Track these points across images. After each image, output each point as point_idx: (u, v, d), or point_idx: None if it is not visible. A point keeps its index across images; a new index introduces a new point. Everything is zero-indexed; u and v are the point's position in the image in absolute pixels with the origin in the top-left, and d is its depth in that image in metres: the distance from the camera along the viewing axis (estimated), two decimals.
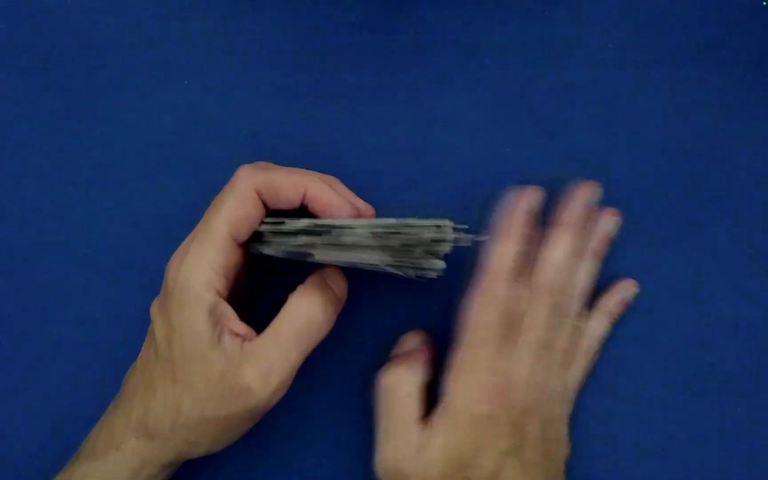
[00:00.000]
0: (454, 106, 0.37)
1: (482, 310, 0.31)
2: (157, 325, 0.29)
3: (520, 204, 0.33)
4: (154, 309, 0.30)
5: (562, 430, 0.32)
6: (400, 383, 0.31)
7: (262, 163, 0.31)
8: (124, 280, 0.36)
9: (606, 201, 0.36)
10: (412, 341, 0.33)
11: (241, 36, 0.38)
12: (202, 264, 0.28)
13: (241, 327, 0.29)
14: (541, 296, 0.31)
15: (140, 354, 0.31)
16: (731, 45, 0.37)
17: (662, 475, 0.34)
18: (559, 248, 0.32)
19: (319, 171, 0.36)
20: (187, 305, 0.28)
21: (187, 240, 0.30)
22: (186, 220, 0.36)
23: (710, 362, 0.35)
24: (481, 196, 0.35)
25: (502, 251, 0.32)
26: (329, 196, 0.29)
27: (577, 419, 0.34)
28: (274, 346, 0.28)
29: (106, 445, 0.29)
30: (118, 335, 0.35)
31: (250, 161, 0.36)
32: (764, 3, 0.38)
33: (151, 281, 0.35)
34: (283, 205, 0.30)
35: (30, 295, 0.36)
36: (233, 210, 0.29)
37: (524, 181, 0.36)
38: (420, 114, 0.37)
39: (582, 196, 0.34)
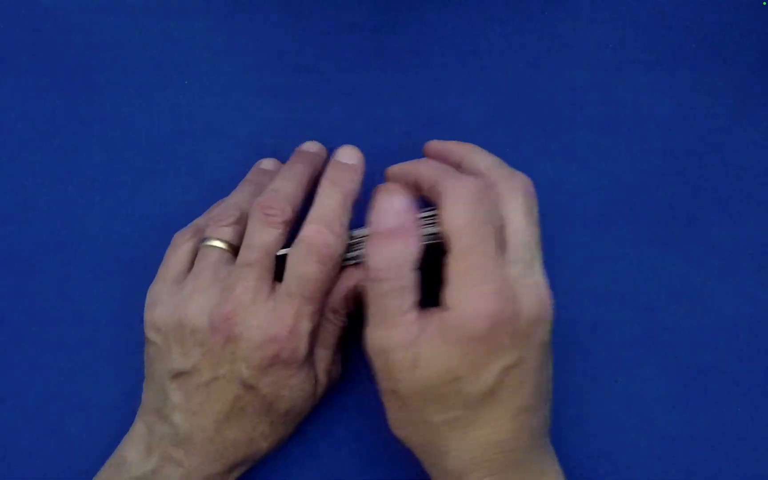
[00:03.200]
0: (454, 106, 0.37)
1: (472, 216, 0.27)
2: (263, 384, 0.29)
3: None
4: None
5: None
6: (395, 266, 0.27)
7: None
8: (125, 280, 0.36)
9: (606, 201, 0.36)
10: (398, 203, 0.28)
11: (241, 36, 0.38)
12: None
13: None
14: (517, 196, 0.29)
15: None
16: (731, 45, 0.37)
17: (662, 475, 0.34)
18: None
19: (319, 171, 0.36)
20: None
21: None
22: (186, 220, 0.36)
23: (710, 362, 0.35)
24: None
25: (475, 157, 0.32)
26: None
27: (577, 419, 0.34)
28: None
29: None
30: (118, 335, 0.35)
31: (250, 161, 0.36)
32: (764, 3, 0.38)
33: (150, 281, 0.35)
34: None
35: (30, 295, 0.36)
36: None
37: None
38: (420, 114, 0.37)
39: None
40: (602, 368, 0.35)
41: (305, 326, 0.29)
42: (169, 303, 0.31)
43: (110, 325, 0.35)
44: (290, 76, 0.37)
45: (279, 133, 0.37)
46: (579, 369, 0.35)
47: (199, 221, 0.34)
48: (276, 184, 0.32)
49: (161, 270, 0.33)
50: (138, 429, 0.31)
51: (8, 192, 0.37)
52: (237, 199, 0.33)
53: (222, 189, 0.36)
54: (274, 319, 0.28)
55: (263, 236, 0.30)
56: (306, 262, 0.29)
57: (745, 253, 0.36)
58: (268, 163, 0.36)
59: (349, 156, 0.32)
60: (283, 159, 0.36)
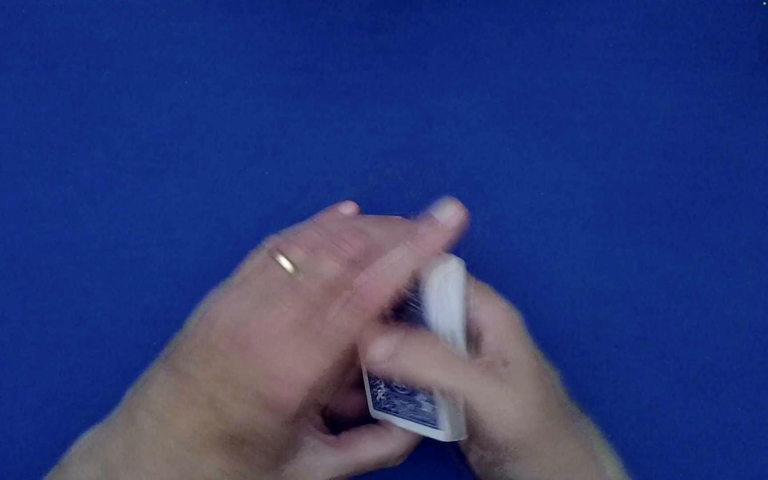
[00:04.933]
0: (454, 106, 0.37)
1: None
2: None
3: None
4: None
5: None
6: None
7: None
8: (124, 280, 0.36)
9: (606, 201, 0.36)
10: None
11: (241, 36, 0.38)
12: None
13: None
14: None
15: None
16: (731, 45, 0.37)
17: (662, 474, 0.34)
18: None
19: (319, 171, 0.37)
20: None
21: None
22: (186, 220, 0.36)
23: (710, 362, 0.35)
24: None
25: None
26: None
27: None
28: None
29: None
30: (118, 335, 0.35)
31: (250, 161, 0.36)
32: (764, 3, 0.38)
33: (151, 281, 0.35)
34: None
35: (30, 295, 0.36)
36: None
37: (524, 181, 0.36)
38: (420, 114, 0.37)
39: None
40: (602, 368, 0.35)
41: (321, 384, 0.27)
42: (211, 300, 0.29)
43: (110, 325, 0.35)
44: (290, 76, 0.37)
45: (279, 133, 0.37)
46: (579, 369, 0.35)
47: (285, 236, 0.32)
48: (366, 226, 0.30)
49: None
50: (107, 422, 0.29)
51: (8, 192, 0.37)
52: (323, 229, 0.31)
53: (222, 189, 0.36)
54: (297, 359, 0.26)
55: (322, 266, 0.28)
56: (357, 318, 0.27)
57: (745, 253, 0.36)
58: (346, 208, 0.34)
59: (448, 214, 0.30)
60: (283, 159, 0.36)
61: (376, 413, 0.31)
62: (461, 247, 0.36)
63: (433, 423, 0.29)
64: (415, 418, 0.29)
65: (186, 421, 0.27)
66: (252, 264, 0.30)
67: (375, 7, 0.38)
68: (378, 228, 0.30)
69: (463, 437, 0.29)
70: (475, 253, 0.36)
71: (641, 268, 0.35)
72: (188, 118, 0.37)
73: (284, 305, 0.27)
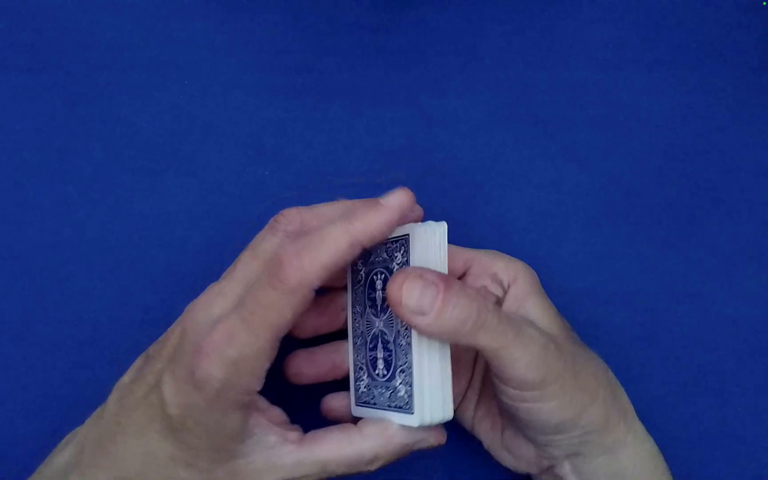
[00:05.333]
0: (454, 106, 0.37)
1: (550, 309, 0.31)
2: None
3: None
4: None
5: None
6: None
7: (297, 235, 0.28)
8: (124, 280, 0.36)
9: (606, 201, 0.36)
10: None
11: (241, 36, 0.38)
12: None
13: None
14: None
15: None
16: (731, 45, 0.37)
17: None
18: None
19: (319, 171, 0.36)
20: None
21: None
22: (186, 220, 0.36)
23: (710, 362, 0.35)
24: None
25: None
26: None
27: None
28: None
29: None
30: (118, 335, 0.35)
31: (250, 161, 0.36)
32: (764, 3, 0.38)
33: (151, 281, 0.35)
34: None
35: (30, 295, 0.36)
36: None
37: (524, 181, 0.36)
38: (420, 114, 0.37)
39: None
40: None
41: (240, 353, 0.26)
42: None
43: (110, 325, 0.35)
44: (290, 76, 0.37)
45: (279, 133, 0.37)
46: None
47: None
48: (316, 206, 0.30)
49: None
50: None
51: (8, 192, 0.37)
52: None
53: (222, 189, 0.36)
54: (222, 335, 0.25)
55: (264, 243, 0.28)
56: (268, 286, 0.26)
57: (745, 253, 0.36)
58: None
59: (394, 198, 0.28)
60: (283, 159, 0.36)
61: (357, 409, 0.30)
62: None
63: (407, 408, 0.27)
64: (390, 407, 0.28)
65: (140, 403, 0.27)
66: None
67: (375, 7, 0.38)
68: (325, 207, 0.29)
69: (445, 419, 0.27)
70: None
71: (641, 268, 0.35)
72: (188, 118, 0.37)
73: (226, 285, 0.27)
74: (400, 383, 0.27)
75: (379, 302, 0.29)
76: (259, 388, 0.26)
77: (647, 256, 0.36)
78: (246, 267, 0.28)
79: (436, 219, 0.28)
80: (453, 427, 0.33)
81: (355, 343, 0.31)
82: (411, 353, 0.27)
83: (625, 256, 0.36)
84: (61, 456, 0.29)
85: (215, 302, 0.27)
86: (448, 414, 0.27)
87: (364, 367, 0.30)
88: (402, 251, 0.28)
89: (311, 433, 0.28)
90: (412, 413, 0.26)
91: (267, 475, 0.27)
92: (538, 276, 0.32)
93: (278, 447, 0.27)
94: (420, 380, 0.26)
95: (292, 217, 0.28)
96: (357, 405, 0.30)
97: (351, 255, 0.26)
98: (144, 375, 0.28)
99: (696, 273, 0.35)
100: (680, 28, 0.37)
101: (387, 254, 0.29)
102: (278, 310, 0.25)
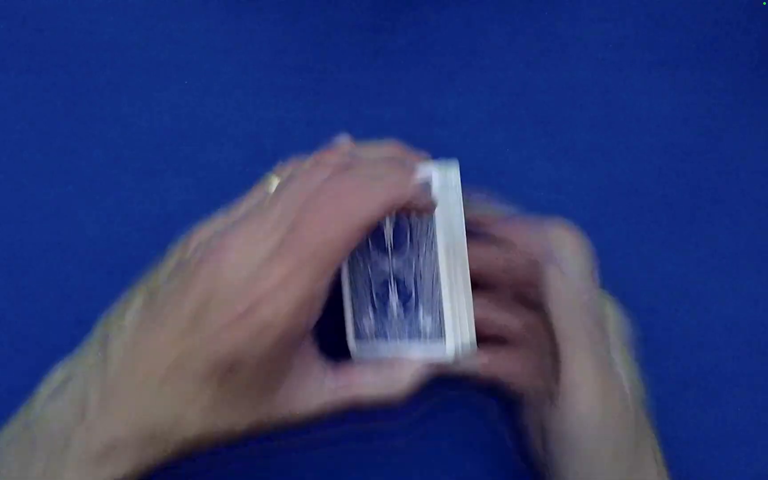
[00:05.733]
0: (454, 106, 0.37)
1: (580, 314, 0.29)
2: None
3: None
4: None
5: None
6: None
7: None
8: (124, 280, 0.36)
9: (606, 201, 0.36)
10: None
11: (241, 36, 0.38)
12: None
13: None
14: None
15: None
16: (731, 45, 0.37)
17: None
18: None
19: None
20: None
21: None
22: (186, 220, 0.36)
23: (710, 362, 0.35)
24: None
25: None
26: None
27: None
28: None
29: None
30: None
31: (250, 161, 0.36)
32: (764, 3, 0.38)
33: None
34: None
35: (30, 295, 0.36)
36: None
37: (524, 181, 0.36)
38: (420, 114, 0.37)
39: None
40: None
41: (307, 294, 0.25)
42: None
43: None
44: (290, 76, 0.37)
45: (279, 133, 0.37)
46: None
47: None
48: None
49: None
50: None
51: (8, 192, 0.37)
52: None
53: (222, 189, 0.36)
54: (280, 276, 0.25)
55: (309, 179, 0.26)
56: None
57: (745, 253, 0.36)
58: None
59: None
60: (283, 159, 0.36)
61: (358, 346, 0.31)
62: None
63: (436, 337, 0.28)
64: (412, 338, 0.29)
65: (170, 350, 0.25)
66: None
67: (375, 7, 0.38)
68: (373, 149, 0.30)
69: (472, 344, 0.29)
70: None
71: (641, 268, 0.35)
72: (188, 118, 0.37)
73: (260, 225, 0.26)
74: (424, 315, 0.28)
75: (388, 241, 0.29)
76: (312, 326, 0.27)
77: (647, 256, 0.36)
78: (286, 203, 0.26)
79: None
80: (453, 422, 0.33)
81: (353, 284, 0.31)
82: (438, 286, 0.28)
83: (625, 256, 0.36)
84: (56, 411, 0.26)
85: (257, 244, 0.25)
86: (473, 339, 0.29)
87: (368, 305, 0.30)
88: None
89: (344, 363, 0.29)
90: (443, 342, 0.28)
91: (307, 404, 0.27)
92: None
93: (319, 377, 0.27)
94: (450, 310, 0.28)
95: (341, 154, 0.28)
96: (359, 340, 0.31)
97: (405, 205, 0.26)
98: (169, 319, 0.26)
99: (696, 273, 0.35)
100: (680, 28, 0.37)
101: None
102: (337, 247, 0.25)
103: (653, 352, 0.35)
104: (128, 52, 0.37)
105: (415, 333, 0.29)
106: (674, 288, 0.35)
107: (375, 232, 0.30)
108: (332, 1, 0.38)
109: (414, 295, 0.29)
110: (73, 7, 0.38)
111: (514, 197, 0.36)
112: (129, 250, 0.36)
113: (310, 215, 0.25)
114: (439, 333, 0.28)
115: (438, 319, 0.28)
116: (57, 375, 0.28)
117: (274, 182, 0.28)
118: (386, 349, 0.30)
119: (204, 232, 0.28)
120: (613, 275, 0.35)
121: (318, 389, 0.27)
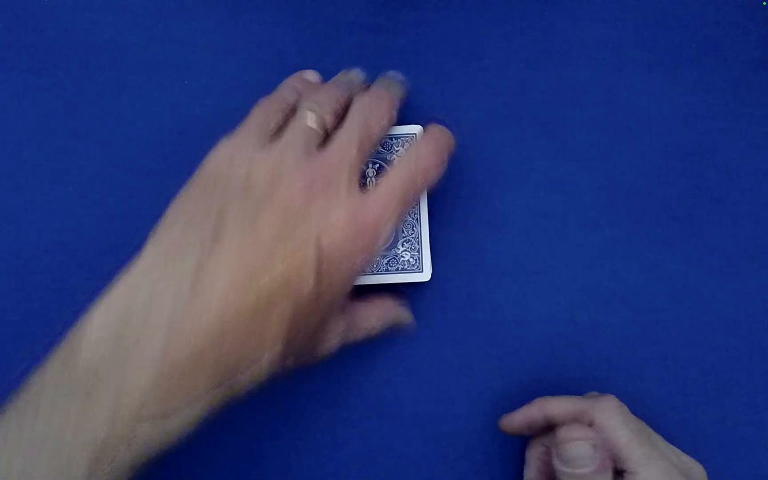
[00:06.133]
0: (454, 106, 0.37)
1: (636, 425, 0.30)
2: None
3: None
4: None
5: None
6: None
7: None
8: None
9: (606, 201, 0.36)
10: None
11: (241, 36, 0.38)
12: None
13: None
14: None
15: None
16: (731, 45, 0.37)
17: None
18: None
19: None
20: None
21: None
22: None
23: (710, 362, 0.35)
24: None
25: None
26: None
27: None
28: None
29: None
30: None
31: None
32: (764, 3, 0.38)
33: None
34: None
35: (30, 295, 0.36)
36: None
37: (524, 181, 0.36)
38: (420, 114, 0.37)
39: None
40: (602, 368, 0.35)
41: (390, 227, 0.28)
42: (258, 148, 0.28)
43: None
44: (290, 76, 0.37)
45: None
46: (579, 369, 0.35)
47: (286, 94, 0.32)
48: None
49: (243, 127, 0.30)
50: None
51: (8, 192, 0.37)
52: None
53: None
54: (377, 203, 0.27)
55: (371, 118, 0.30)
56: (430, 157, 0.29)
57: (745, 253, 0.36)
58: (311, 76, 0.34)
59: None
60: None
61: None
62: (461, 247, 0.36)
63: (416, 268, 0.33)
64: (392, 270, 0.33)
65: (249, 287, 0.24)
66: (272, 120, 0.30)
67: (375, 7, 0.38)
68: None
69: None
70: (475, 253, 0.36)
71: (641, 268, 0.35)
72: (188, 118, 0.37)
73: (344, 152, 0.28)
74: (403, 250, 0.33)
75: (371, 187, 0.31)
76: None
77: (647, 256, 0.36)
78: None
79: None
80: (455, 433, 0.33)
81: None
82: (419, 226, 0.33)
83: (625, 256, 0.36)
84: (94, 350, 0.25)
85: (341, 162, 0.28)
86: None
87: None
88: (406, 147, 0.33)
89: (353, 303, 0.31)
90: (422, 271, 0.33)
91: (331, 344, 0.29)
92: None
93: (340, 316, 0.30)
94: (426, 246, 0.33)
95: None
96: None
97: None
98: (249, 253, 0.25)
99: (696, 273, 0.35)
100: (680, 28, 0.37)
101: (384, 147, 0.34)
102: (418, 187, 0.29)
103: (653, 352, 0.35)
104: (128, 52, 0.37)
105: (396, 265, 0.33)
106: (674, 288, 0.35)
107: (361, 179, 0.33)
108: (332, 1, 0.38)
109: (394, 233, 0.33)
110: (73, 7, 0.38)
111: (514, 197, 0.36)
112: (129, 250, 0.36)
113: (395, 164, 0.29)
114: (419, 265, 0.33)
115: (417, 254, 0.33)
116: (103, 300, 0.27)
117: (309, 115, 0.29)
118: (371, 280, 0.33)
119: (261, 161, 0.27)
120: (613, 275, 0.35)
121: (338, 328, 0.29)
